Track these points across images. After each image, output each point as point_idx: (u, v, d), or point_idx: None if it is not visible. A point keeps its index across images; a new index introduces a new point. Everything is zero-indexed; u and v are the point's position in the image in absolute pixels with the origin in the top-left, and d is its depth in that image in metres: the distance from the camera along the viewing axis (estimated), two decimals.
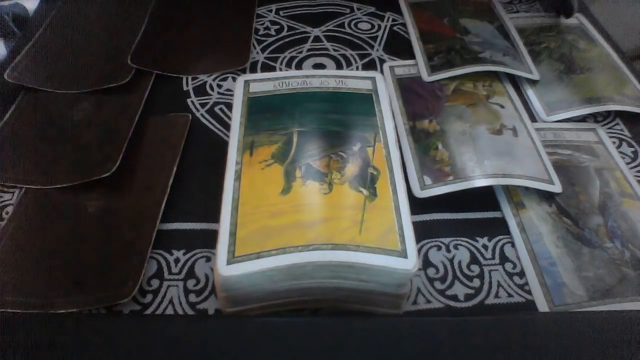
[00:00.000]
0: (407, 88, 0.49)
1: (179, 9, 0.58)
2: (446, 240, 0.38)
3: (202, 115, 0.47)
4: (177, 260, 0.36)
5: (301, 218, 0.32)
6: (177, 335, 0.29)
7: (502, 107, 0.46)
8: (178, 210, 0.39)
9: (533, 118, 0.47)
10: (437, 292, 0.35)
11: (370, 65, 0.52)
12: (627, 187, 0.41)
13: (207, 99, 0.48)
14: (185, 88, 0.49)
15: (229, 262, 0.30)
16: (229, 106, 0.47)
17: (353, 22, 0.58)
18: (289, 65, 0.52)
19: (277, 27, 0.57)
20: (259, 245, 0.31)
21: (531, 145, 0.43)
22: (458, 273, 0.36)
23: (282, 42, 0.55)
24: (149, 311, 0.33)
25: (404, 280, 0.31)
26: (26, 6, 0.59)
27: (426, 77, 0.49)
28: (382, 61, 0.53)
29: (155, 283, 0.35)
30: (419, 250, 0.37)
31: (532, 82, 0.50)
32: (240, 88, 0.41)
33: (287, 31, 0.57)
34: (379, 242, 0.31)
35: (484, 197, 0.40)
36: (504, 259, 0.37)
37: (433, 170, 0.41)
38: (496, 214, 0.40)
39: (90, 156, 0.41)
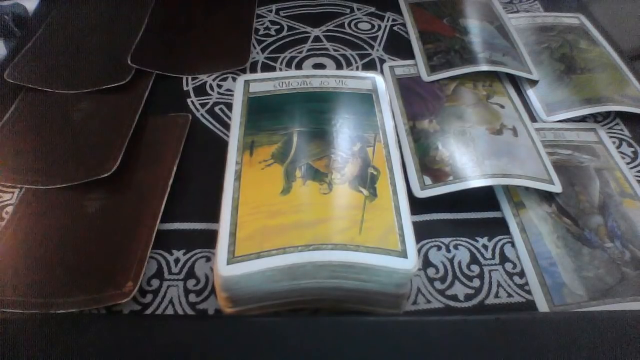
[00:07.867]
0: (407, 88, 0.49)
1: (179, 9, 0.58)
2: (446, 240, 0.38)
3: (202, 115, 0.47)
4: (177, 260, 0.36)
5: (301, 218, 0.32)
6: (177, 335, 0.29)
7: (502, 107, 0.46)
8: (178, 210, 0.39)
9: (533, 118, 0.47)
10: (437, 292, 0.35)
11: (370, 65, 0.52)
12: (627, 187, 0.41)
13: (207, 99, 0.48)
14: (185, 88, 0.49)
15: (229, 262, 0.30)
16: (229, 106, 0.47)
17: (353, 22, 0.58)
18: (289, 65, 0.52)
19: (277, 27, 0.57)
20: (259, 245, 0.31)
21: (531, 145, 0.43)
22: (458, 273, 0.36)
23: (282, 42, 0.55)
24: (149, 311, 0.33)
25: (404, 280, 0.31)
26: (26, 6, 0.59)
27: (426, 77, 0.49)
28: (382, 61, 0.53)
29: (155, 283, 0.35)
30: (419, 250, 0.37)
31: (532, 82, 0.50)
32: (240, 88, 0.41)
33: (287, 31, 0.57)
34: (379, 242, 0.31)
35: (484, 197, 0.40)
36: (504, 259, 0.37)
37: (433, 170, 0.41)
38: (496, 214, 0.40)
39: (90, 156, 0.41)
